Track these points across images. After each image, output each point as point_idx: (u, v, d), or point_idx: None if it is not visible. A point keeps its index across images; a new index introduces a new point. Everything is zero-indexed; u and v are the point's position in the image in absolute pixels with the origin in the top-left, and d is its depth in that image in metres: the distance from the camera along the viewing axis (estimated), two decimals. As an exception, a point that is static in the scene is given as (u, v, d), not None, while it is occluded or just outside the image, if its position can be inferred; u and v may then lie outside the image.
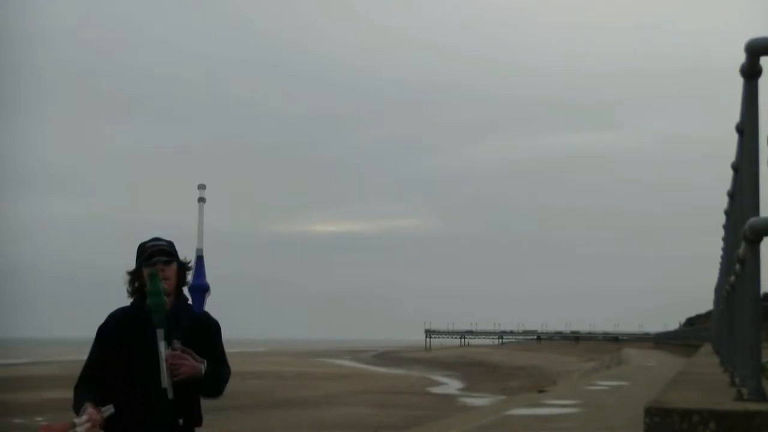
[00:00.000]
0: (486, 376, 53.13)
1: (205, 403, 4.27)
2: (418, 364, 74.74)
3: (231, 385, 4.39)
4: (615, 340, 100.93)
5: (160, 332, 4.05)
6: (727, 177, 6.74)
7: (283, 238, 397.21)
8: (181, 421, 4.11)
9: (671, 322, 78.50)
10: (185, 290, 4.34)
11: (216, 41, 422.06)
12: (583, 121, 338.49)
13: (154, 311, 4.06)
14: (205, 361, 4.11)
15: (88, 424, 3.81)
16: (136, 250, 4.22)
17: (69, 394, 4.11)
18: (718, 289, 12.70)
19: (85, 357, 4.16)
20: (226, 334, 4.39)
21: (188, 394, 4.12)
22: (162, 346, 4.03)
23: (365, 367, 69.80)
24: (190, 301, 4.32)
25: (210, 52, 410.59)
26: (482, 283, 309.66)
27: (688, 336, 39.58)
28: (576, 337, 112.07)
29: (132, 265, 4.22)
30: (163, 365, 4.01)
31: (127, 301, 4.25)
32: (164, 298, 4.06)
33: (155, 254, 4.14)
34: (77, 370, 4.16)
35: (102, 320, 4.21)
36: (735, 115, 4.74)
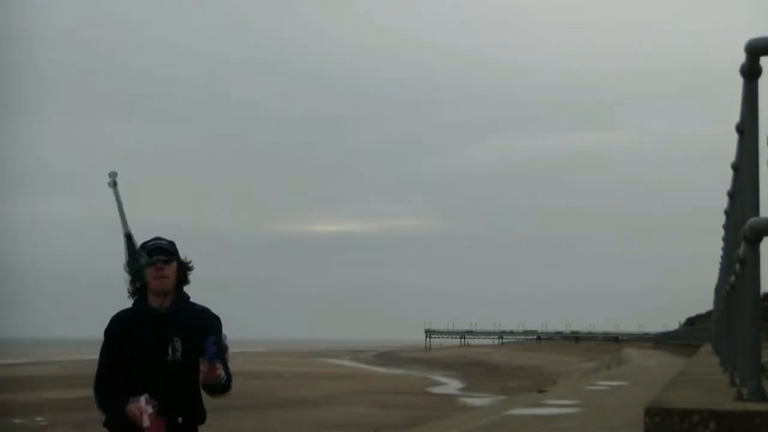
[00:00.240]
0: (486, 376, 53.13)
1: (205, 403, 4.28)
2: (418, 364, 74.75)
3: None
4: (615, 340, 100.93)
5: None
6: (727, 177, 6.75)
7: (283, 238, 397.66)
8: (180, 419, 4.13)
9: (671, 322, 78.43)
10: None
11: (216, 41, 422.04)
12: (583, 121, 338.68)
13: (133, 276, 4.14)
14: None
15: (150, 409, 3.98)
16: None
17: (69, 394, 4.13)
18: (718, 289, 12.71)
19: (84, 357, 4.18)
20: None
21: (188, 394, 4.13)
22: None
23: (365, 367, 69.81)
24: (191, 299, 4.32)
25: (210, 52, 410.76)
26: (482, 283, 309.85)
27: (688, 336, 39.57)
28: (576, 337, 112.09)
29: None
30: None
31: (127, 302, 4.27)
32: (142, 262, 4.12)
33: (155, 252, 4.17)
34: (77, 370, 4.19)
35: (104, 321, 4.25)
36: (735, 115, 4.75)
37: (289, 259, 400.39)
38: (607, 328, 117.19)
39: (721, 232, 9.66)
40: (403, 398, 33.77)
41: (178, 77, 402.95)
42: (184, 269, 4.27)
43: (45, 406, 27.80)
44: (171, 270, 4.19)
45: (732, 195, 6.70)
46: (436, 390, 41.41)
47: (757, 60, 3.84)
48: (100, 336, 4.22)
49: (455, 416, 18.30)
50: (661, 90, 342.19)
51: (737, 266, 4.67)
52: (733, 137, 5.12)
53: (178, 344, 4.13)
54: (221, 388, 4.12)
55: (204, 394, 4.21)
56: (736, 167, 5.74)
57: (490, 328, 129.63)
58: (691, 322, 55.77)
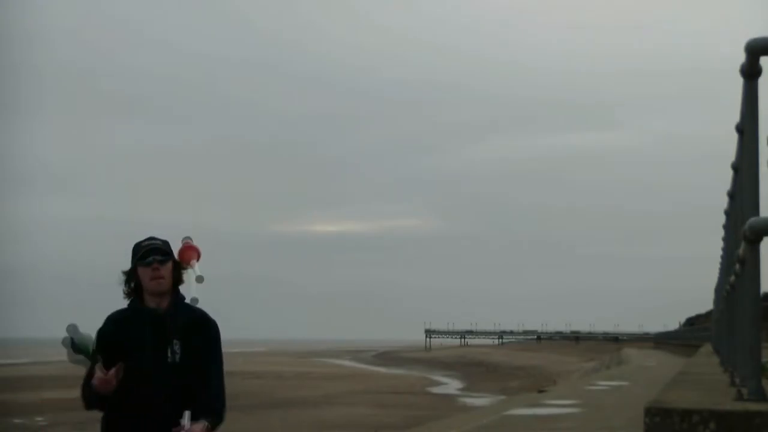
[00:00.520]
0: (486, 376, 53.16)
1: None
2: (418, 364, 74.79)
3: (231, 386, 4.37)
4: (615, 340, 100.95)
5: None
6: (727, 177, 6.75)
7: (283, 238, 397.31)
8: (184, 420, 4.11)
9: (671, 322, 78.53)
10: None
11: (216, 41, 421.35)
12: (583, 121, 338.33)
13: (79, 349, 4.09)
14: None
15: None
16: (131, 250, 4.21)
17: (69, 394, 4.13)
18: (718, 289, 12.71)
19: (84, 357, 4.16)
20: (225, 335, 4.36)
21: (186, 395, 4.11)
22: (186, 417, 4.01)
23: (365, 367, 69.84)
24: (187, 300, 4.30)
25: (210, 52, 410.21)
26: (482, 283, 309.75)
27: (688, 336, 39.60)
28: (576, 337, 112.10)
29: (129, 264, 4.21)
30: None
31: (123, 303, 4.24)
32: (89, 349, 4.08)
33: (150, 253, 4.13)
34: (77, 371, 4.16)
35: (100, 321, 4.21)
36: (735, 115, 4.75)
37: (289, 259, 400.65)
38: (607, 328, 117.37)
39: (721, 232, 9.66)
40: (403, 398, 33.79)
41: (178, 77, 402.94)
42: (179, 269, 4.26)
43: (45, 406, 27.83)
44: (167, 270, 4.15)
45: (732, 195, 6.71)
46: (436, 390, 41.43)
47: (757, 60, 3.84)
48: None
49: (455, 416, 18.31)
50: (661, 90, 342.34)
51: (737, 266, 4.67)
52: (733, 137, 5.12)
53: (177, 346, 4.10)
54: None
55: None
56: (736, 167, 5.74)
57: (490, 328, 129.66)
58: (691, 322, 55.82)
